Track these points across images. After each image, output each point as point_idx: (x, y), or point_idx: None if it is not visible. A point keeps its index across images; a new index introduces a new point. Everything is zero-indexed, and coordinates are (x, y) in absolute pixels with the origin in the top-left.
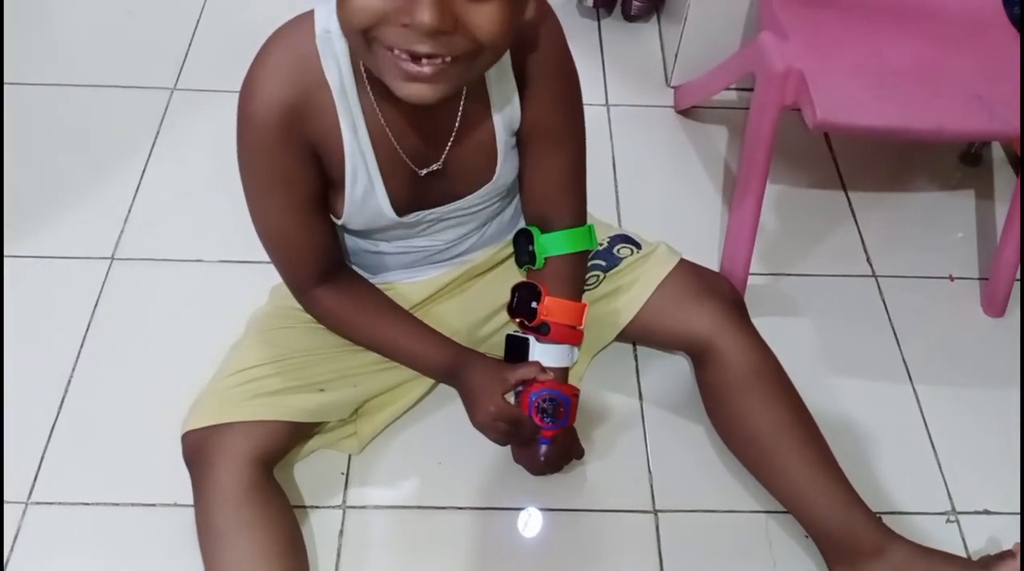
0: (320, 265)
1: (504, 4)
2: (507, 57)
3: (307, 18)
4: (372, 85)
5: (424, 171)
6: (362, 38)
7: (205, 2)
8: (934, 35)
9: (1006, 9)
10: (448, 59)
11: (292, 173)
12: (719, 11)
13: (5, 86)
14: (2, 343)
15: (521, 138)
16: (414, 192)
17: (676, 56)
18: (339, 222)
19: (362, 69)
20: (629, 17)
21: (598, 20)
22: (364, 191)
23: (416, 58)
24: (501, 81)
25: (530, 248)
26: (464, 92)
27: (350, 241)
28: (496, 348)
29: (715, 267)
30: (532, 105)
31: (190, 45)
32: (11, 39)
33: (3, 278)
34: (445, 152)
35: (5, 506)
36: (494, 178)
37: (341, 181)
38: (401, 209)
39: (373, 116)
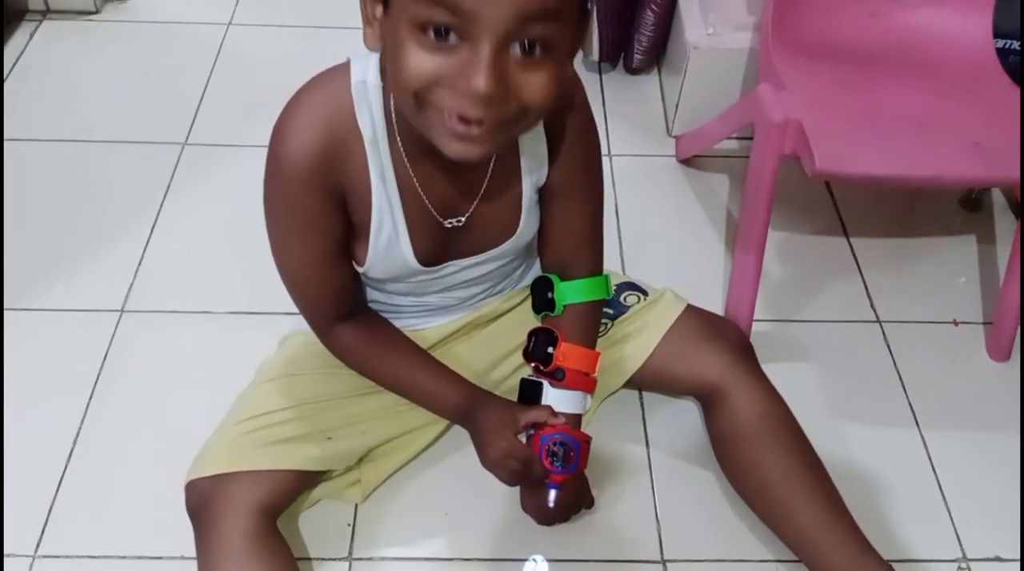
0: (342, 305)
1: (555, 69)
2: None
3: (343, 68)
4: (403, 138)
5: (449, 223)
6: (413, 99)
7: (216, 60)
8: (931, 85)
9: (1001, 59)
10: (497, 122)
11: (319, 217)
12: (718, 63)
13: (20, 142)
14: (1, 395)
15: (544, 194)
16: (437, 243)
17: (677, 107)
18: (360, 270)
19: (394, 121)
20: (631, 70)
21: (600, 74)
22: (388, 240)
23: (466, 121)
24: (534, 142)
25: (549, 295)
26: None
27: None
28: (508, 393)
29: (720, 313)
30: (559, 166)
31: (201, 101)
32: (27, 96)
33: (3, 330)
34: (472, 207)
35: (14, 559)
36: (516, 234)
37: (366, 229)
38: (424, 259)
39: (402, 168)
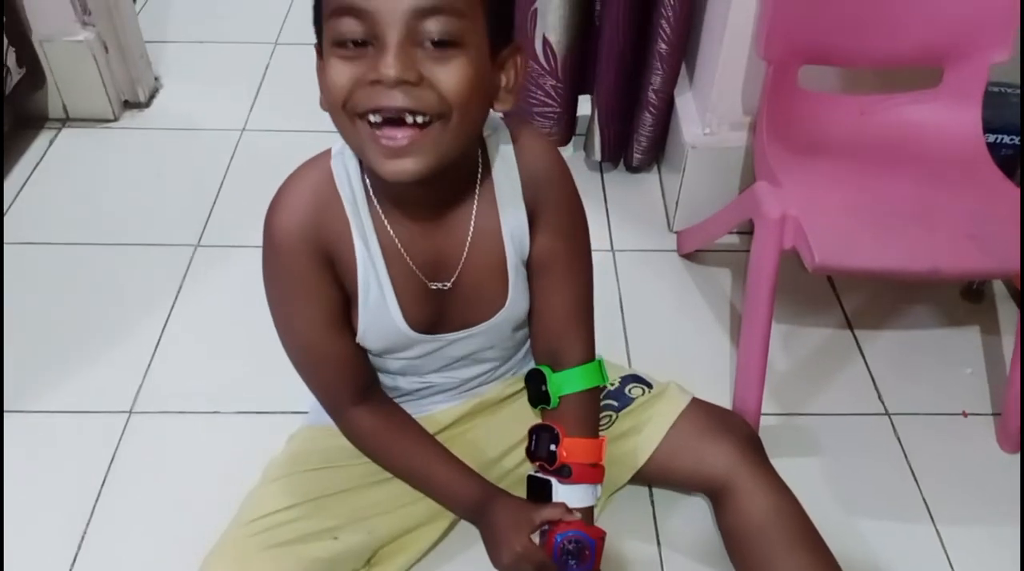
0: (355, 381)
1: (468, 63)
2: (518, 184)
3: (326, 151)
4: (380, 198)
5: (435, 286)
6: (345, 117)
7: (230, 164)
8: (924, 177)
9: (992, 154)
10: (419, 120)
11: (316, 284)
12: (716, 161)
13: (37, 245)
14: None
15: (531, 268)
16: (428, 310)
17: (677, 203)
18: (357, 339)
19: (368, 183)
20: (631, 168)
21: (602, 173)
22: (376, 303)
23: (390, 123)
24: (512, 206)
25: (543, 388)
26: (475, 211)
27: None
28: (521, 480)
29: (727, 407)
30: (542, 235)
31: (214, 204)
32: (46, 201)
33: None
34: (458, 270)
35: None
36: (506, 305)
37: (355, 293)
38: (415, 325)
39: (383, 228)
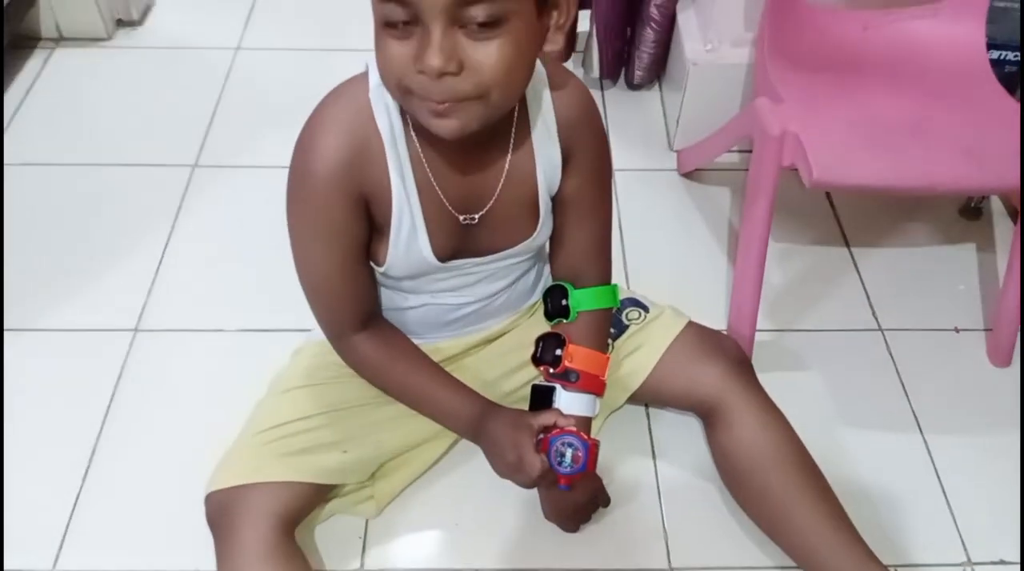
0: (360, 313)
1: (510, 41)
2: (554, 125)
3: (361, 76)
4: (418, 134)
5: (465, 219)
6: (397, 89)
7: (225, 84)
8: (924, 93)
9: (995, 70)
10: (458, 98)
11: (343, 224)
12: (717, 78)
13: (35, 166)
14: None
15: (556, 203)
16: (455, 240)
17: (678, 122)
18: (380, 269)
19: (409, 119)
20: (632, 86)
21: (602, 90)
22: (408, 236)
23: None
24: (548, 146)
25: (564, 302)
26: (511, 149)
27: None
28: (517, 405)
29: (722, 325)
30: (573, 174)
31: (210, 124)
32: (41, 121)
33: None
34: (489, 205)
35: None
36: (533, 236)
37: (387, 227)
38: (441, 255)
39: (419, 164)
